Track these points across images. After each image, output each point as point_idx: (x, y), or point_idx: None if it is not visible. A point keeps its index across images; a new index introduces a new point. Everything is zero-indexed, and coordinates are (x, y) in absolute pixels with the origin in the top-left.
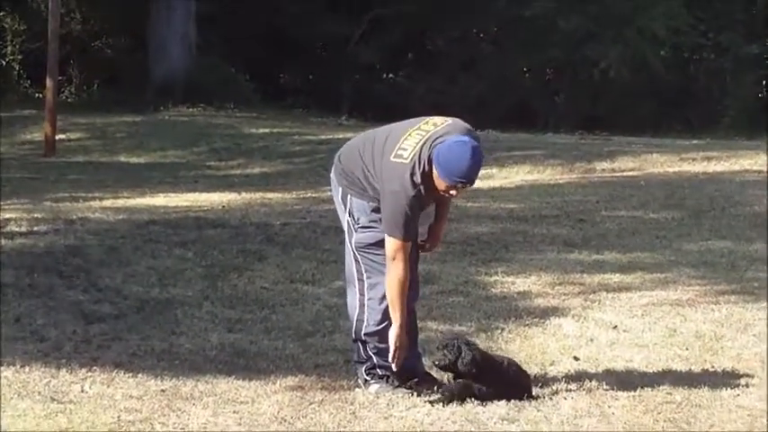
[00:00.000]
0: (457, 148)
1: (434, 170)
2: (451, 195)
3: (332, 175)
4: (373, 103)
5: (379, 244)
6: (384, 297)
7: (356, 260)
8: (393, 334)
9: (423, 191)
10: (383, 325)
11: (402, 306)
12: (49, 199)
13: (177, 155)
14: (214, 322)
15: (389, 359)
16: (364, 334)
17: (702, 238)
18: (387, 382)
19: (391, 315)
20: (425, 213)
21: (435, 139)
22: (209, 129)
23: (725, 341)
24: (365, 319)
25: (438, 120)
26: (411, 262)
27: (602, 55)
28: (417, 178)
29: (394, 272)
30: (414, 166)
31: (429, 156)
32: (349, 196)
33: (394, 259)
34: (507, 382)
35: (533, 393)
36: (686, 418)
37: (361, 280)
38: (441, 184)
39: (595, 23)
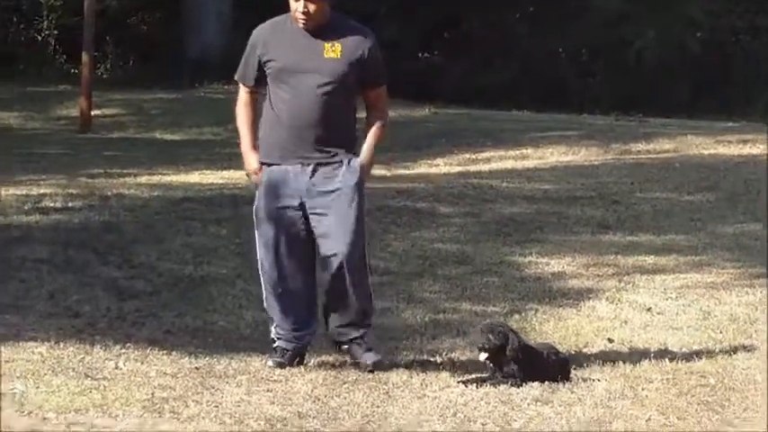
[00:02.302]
0: None
1: None
2: (305, 14)
3: None
4: (408, 82)
5: (259, 207)
6: (263, 272)
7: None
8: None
9: (272, 31)
10: (271, 302)
11: (242, 133)
12: (84, 175)
13: (212, 132)
14: (248, 299)
15: None
16: (266, 308)
17: (737, 220)
18: (276, 352)
19: None
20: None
21: None
22: None
23: (759, 324)
24: (264, 296)
25: None
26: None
27: (638, 36)
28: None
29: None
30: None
31: None
32: None
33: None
34: (549, 371)
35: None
36: (720, 401)
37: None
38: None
39: (631, 5)
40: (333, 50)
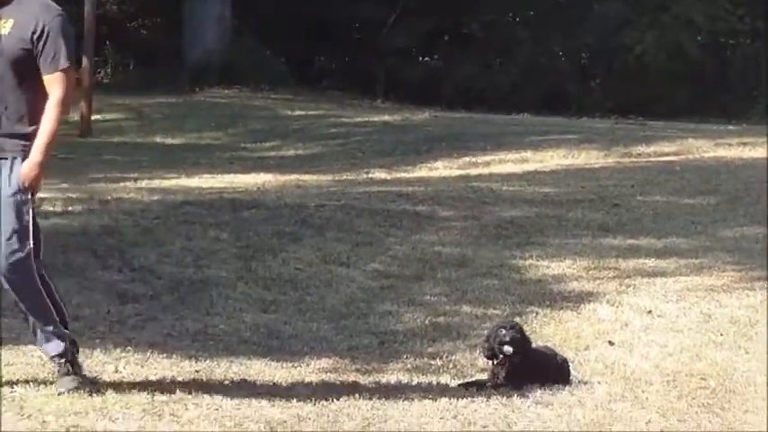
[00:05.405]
0: None
1: None
2: None
3: None
4: (408, 85)
5: None
6: None
7: None
8: None
9: None
10: None
11: None
12: (84, 179)
13: (213, 136)
14: (248, 303)
15: None
16: None
17: (737, 223)
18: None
19: None
20: None
21: None
22: (244, 110)
23: (759, 326)
24: None
25: None
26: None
27: (638, 40)
28: None
29: None
30: None
31: None
32: None
33: None
34: (550, 373)
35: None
36: (720, 404)
37: None
38: None
39: (632, 9)
40: (3, 27)
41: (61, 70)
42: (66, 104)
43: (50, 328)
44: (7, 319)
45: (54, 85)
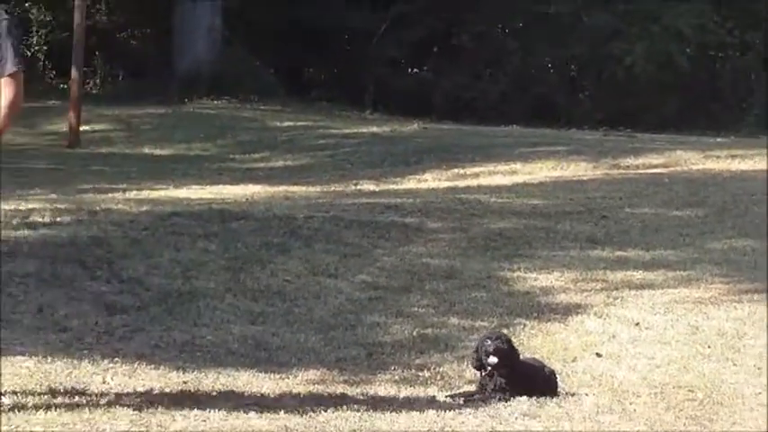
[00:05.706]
0: None
1: None
2: None
3: None
4: (398, 96)
5: None
6: None
7: None
8: None
9: None
10: None
11: None
12: (73, 190)
13: (202, 147)
14: (236, 315)
15: None
16: None
17: (726, 236)
18: None
19: None
20: None
21: None
22: (233, 121)
23: (747, 339)
24: None
25: None
26: None
27: (628, 51)
28: None
29: None
30: None
31: None
32: None
33: None
34: (537, 385)
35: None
36: (708, 416)
37: None
38: None
39: (621, 19)
40: None
41: (9, 75)
42: (15, 107)
43: None
44: None
45: (1, 89)
